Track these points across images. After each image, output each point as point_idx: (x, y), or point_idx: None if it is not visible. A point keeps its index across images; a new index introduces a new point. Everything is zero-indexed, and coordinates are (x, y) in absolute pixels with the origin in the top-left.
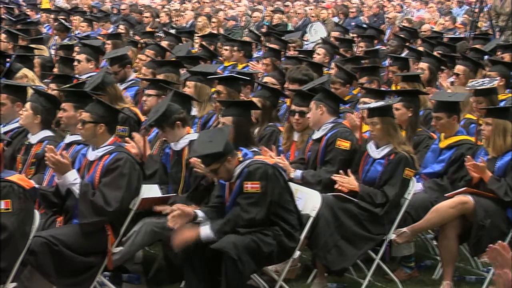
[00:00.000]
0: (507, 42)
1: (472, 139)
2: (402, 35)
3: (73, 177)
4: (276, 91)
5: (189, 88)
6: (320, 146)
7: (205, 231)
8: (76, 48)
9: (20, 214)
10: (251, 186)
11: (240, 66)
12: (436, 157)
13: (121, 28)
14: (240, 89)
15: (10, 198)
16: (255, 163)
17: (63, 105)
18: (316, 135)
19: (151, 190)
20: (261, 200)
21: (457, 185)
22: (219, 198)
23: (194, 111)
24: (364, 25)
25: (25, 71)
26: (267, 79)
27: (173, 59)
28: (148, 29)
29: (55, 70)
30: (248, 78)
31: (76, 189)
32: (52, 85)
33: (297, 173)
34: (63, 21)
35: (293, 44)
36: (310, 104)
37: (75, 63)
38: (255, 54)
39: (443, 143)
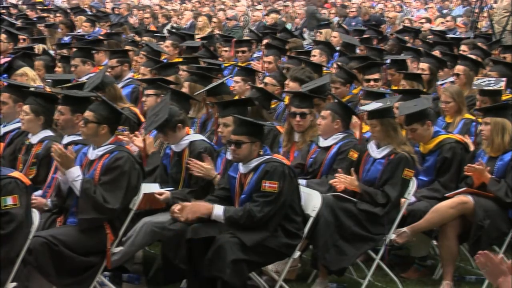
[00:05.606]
0: (506, 41)
1: (452, 136)
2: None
3: (76, 173)
4: (268, 93)
5: (185, 89)
6: (327, 154)
7: (218, 211)
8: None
9: (26, 208)
10: (269, 186)
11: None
12: (420, 163)
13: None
14: (230, 92)
15: (16, 194)
16: (273, 162)
17: (60, 107)
18: (325, 143)
19: (151, 188)
20: (276, 199)
21: (451, 187)
22: (224, 191)
23: (190, 112)
24: (363, 27)
25: (26, 69)
26: (267, 80)
27: (178, 58)
28: (152, 27)
29: (57, 69)
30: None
31: (77, 185)
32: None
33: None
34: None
35: (290, 45)
36: (325, 113)
37: (72, 68)
38: (255, 54)
39: (424, 148)
